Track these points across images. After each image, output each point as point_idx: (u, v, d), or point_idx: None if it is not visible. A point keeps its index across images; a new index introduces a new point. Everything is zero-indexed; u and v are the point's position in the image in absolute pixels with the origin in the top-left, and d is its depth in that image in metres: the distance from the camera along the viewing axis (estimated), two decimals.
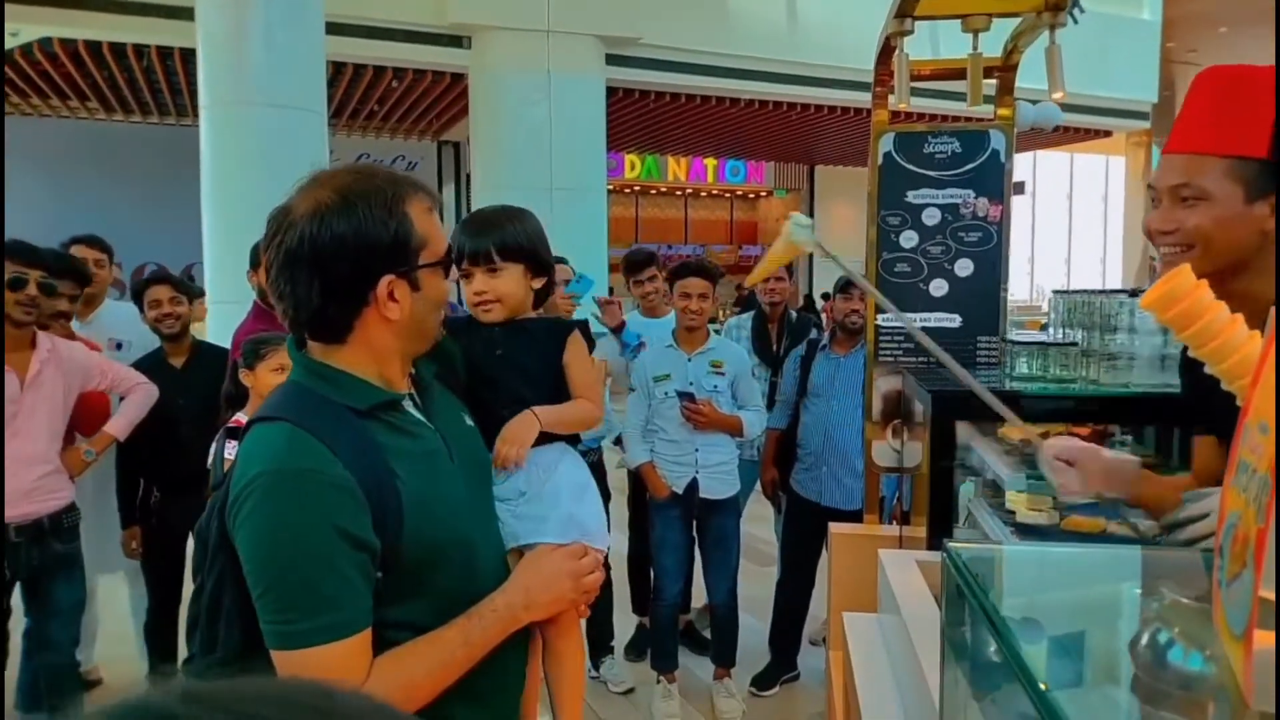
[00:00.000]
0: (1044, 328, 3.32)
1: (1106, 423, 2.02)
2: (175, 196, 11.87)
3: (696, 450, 3.24)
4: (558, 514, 1.36)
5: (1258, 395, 0.61)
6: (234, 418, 2.77)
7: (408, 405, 1.23)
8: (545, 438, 1.44)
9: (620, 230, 14.81)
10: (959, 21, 2.30)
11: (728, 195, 17.27)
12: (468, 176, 13.78)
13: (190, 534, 3.37)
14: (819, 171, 16.04)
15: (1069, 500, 1.56)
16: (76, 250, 3.55)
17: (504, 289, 1.48)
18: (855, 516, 3.30)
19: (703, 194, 17.01)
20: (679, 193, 16.78)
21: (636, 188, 16.04)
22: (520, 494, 1.39)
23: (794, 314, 4.41)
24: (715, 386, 3.23)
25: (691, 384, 3.22)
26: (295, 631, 1.03)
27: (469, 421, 1.35)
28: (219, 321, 5.87)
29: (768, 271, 1.50)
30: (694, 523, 3.37)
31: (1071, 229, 21.54)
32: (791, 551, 3.70)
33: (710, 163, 15.96)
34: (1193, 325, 0.89)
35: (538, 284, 1.53)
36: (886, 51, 2.44)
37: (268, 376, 2.74)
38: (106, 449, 3.06)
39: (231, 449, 2.69)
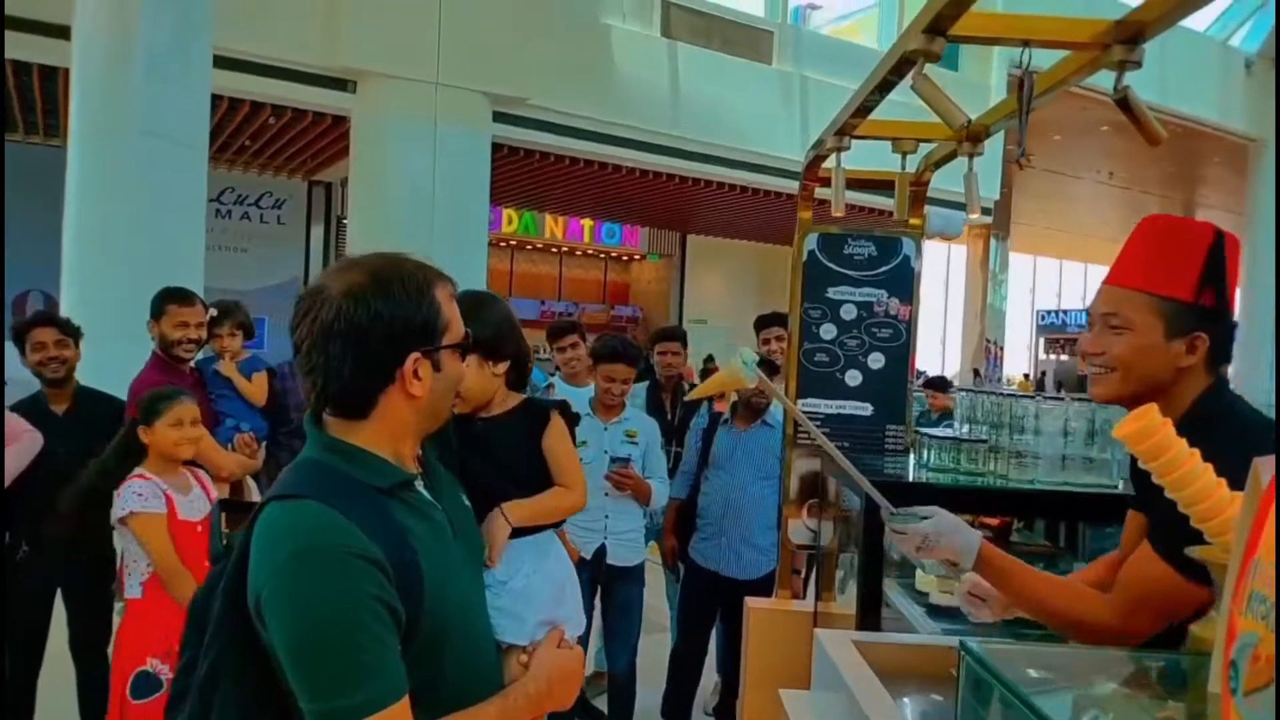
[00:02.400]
0: None
1: (1013, 515, 2.23)
2: (11, 219, 11.06)
3: (606, 517, 3.32)
4: (536, 618, 1.39)
5: (1267, 535, 0.76)
6: (134, 473, 2.63)
7: (419, 485, 1.27)
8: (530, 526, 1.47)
9: (495, 283, 14.79)
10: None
11: (602, 255, 17.58)
12: (339, 219, 13.49)
13: (58, 592, 3.15)
14: (690, 240, 16.60)
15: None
16: None
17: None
18: (753, 587, 3.43)
19: (578, 253, 17.24)
20: (555, 250, 16.96)
21: (513, 242, 16.10)
22: (501, 583, 1.41)
23: (686, 384, 4.58)
24: (629, 455, 3.33)
25: (606, 452, 3.33)
26: (345, 708, 1.04)
27: (465, 501, 1.39)
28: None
29: (707, 393, 1.61)
30: (597, 591, 3.41)
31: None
32: (688, 620, 3.78)
33: (587, 223, 16.24)
34: (1159, 458, 1.05)
35: (500, 369, 1.57)
36: (816, 160, 2.65)
37: (166, 432, 2.64)
38: None
39: (135, 500, 2.56)
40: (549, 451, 1.55)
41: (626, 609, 3.42)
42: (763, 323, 4.27)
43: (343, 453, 1.18)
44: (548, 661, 1.34)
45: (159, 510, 2.58)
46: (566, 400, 1.67)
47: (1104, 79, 1.94)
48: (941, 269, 21.75)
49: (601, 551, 3.32)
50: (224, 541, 1.26)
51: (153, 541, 2.56)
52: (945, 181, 3.12)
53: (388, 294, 1.17)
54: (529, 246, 16.62)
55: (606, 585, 3.39)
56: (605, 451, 3.33)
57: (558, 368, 4.10)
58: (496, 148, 9.62)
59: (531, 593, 1.40)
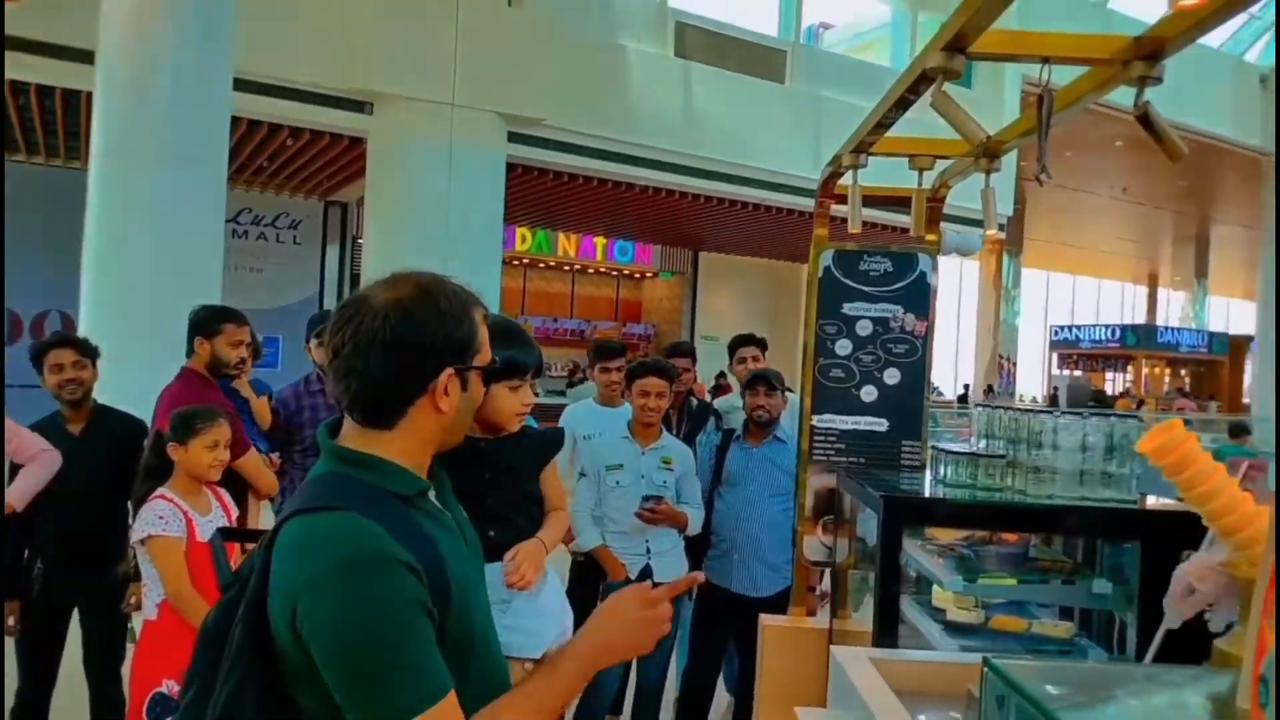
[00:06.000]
0: None
1: (1031, 531, 2.22)
2: (25, 238, 11.17)
3: (647, 540, 3.34)
4: (551, 629, 1.43)
5: None
6: (156, 492, 2.65)
7: (431, 495, 1.28)
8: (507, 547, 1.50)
9: (508, 302, 14.85)
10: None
11: (615, 274, 17.63)
12: (354, 238, 13.59)
13: (75, 609, 3.17)
14: (703, 257, 16.63)
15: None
16: None
17: None
18: (765, 605, 3.42)
19: (590, 271, 17.30)
20: (567, 268, 17.03)
21: (526, 260, 16.18)
22: (505, 602, 1.43)
23: (694, 401, 4.57)
24: (664, 481, 3.36)
25: (643, 477, 3.33)
26: (398, 707, 1.05)
27: (463, 512, 1.40)
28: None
29: None
30: None
31: None
32: (699, 638, 3.77)
33: (600, 241, 16.31)
34: (1184, 471, 1.05)
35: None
36: (833, 176, 2.66)
37: (200, 453, 2.64)
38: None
39: (156, 523, 2.57)
40: (547, 478, 1.58)
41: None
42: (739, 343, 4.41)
43: (361, 463, 1.20)
44: (608, 615, 1.25)
45: (178, 534, 2.58)
46: (561, 429, 1.72)
47: (1118, 95, 1.95)
48: (954, 285, 21.69)
49: (647, 571, 3.33)
50: (232, 569, 1.26)
51: (168, 567, 2.56)
52: (958, 198, 3.13)
53: (434, 307, 1.20)
54: (542, 265, 16.70)
55: None
56: (642, 476, 3.34)
57: (598, 388, 4.09)
58: (511, 167, 9.69)
59: (539, 609, 1.41)
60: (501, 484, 1.52)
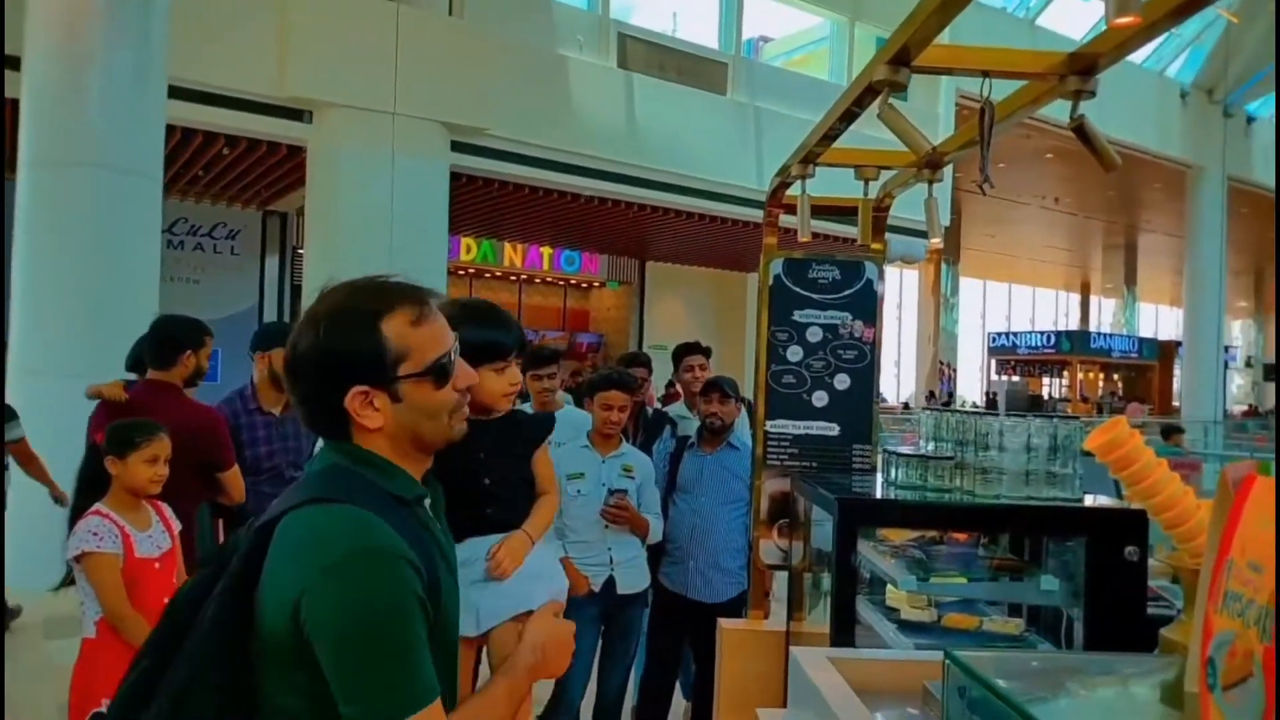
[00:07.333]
0: None
1: (980, 530, 2.27)
2: None
3: (610, 549, 3.33)
4: (546, 584, 1.52)
5: (1240, 536, 0.80)
6: (93, 508, 2.57)
7: (426, 502, 1.29)
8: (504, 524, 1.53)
9: None
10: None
11: (561, 283, 17.61)
12: (294, 249, 13.35)
13: None
14: (649, 266, 16.70)
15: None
16: None
17: None
18: (720, 610, 3.44)
19: (537, 280, 17.26)
20: (514, 278, 16.95)
21: (471, 270, 16.05)
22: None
23: (649, 410, 4.60)
24: (625, 489, 3.35)
25: (604, 485, 3.32)
26: (396, 703, 1.06)
27: (445, 521, 1.39)
28: (22, 392, 5.37)
29: None
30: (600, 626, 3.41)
31: None
32: (657, 643, 3.78)
33: (546, 251, 16.27)
34: (1129, 468, 1.09)
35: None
36: (781, 186, 2.71)
37: (139, 468, 2.58)
38: None
39: (90, 539, 2.50)
40: (540, 460, 1.61)
41: (627, 632, 3.44)
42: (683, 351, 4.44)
43: (366, 460, 1.20)
44: (542, 632, 1.35)
45: (114, 551, 2.51)
46: (553, 414, 1.77)
47: (1049, 109, 2.03)
48: (894, 293, 22.10)
49: (610, 583, 3.33)
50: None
51: (104, 584, 2.49)
52: (898, 209, 3.21)
53: (328, 329, 1.18)
54: (488, 274, 16.58)
55: (611, 614, 3.40)
56: (603, 484, 3.33)
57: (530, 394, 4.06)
58: (455, 177, 9.62)
59: (532, 569, 1.47)
60: (495, 464, 1.55)
